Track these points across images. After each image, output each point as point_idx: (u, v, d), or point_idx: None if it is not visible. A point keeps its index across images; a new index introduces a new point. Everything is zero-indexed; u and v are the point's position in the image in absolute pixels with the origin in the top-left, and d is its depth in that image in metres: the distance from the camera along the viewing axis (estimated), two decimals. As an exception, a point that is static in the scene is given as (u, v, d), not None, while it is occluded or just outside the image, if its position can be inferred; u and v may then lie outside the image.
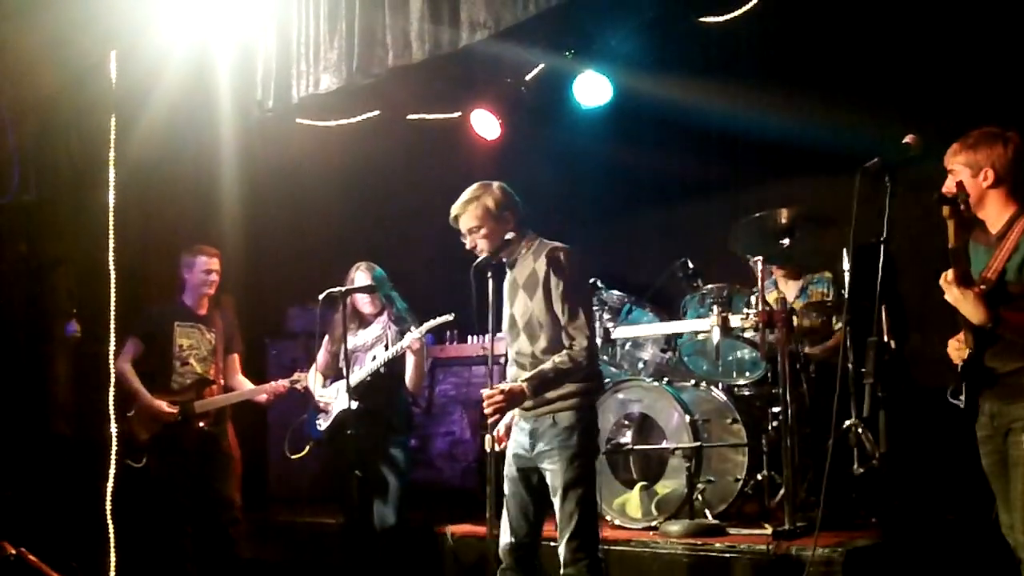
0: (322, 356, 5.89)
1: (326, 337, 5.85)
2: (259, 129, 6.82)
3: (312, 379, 5.92)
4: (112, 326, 6.31)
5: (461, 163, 7.48)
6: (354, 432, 5.36)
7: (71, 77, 6.50)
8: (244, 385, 6.25)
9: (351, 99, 6.79)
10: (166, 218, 7.04)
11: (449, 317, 5.45)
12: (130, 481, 6.15)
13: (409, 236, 7.84)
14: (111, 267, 6.41)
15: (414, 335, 5.42)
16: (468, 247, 4.41)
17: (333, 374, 5.87)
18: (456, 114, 7.36)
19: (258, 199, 7.44)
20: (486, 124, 7.12)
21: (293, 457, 5.96)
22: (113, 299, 6.38)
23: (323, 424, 5.75)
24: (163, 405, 5.95)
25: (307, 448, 5.85)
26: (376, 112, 7.34)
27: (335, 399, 5.68)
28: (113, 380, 6.18)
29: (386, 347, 5.59)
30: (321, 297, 5.25)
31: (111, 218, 6.45)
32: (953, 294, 3.61)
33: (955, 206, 3.68)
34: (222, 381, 6.19)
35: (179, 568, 5.93)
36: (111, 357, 6.21)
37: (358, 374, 5.57)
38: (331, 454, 5.83)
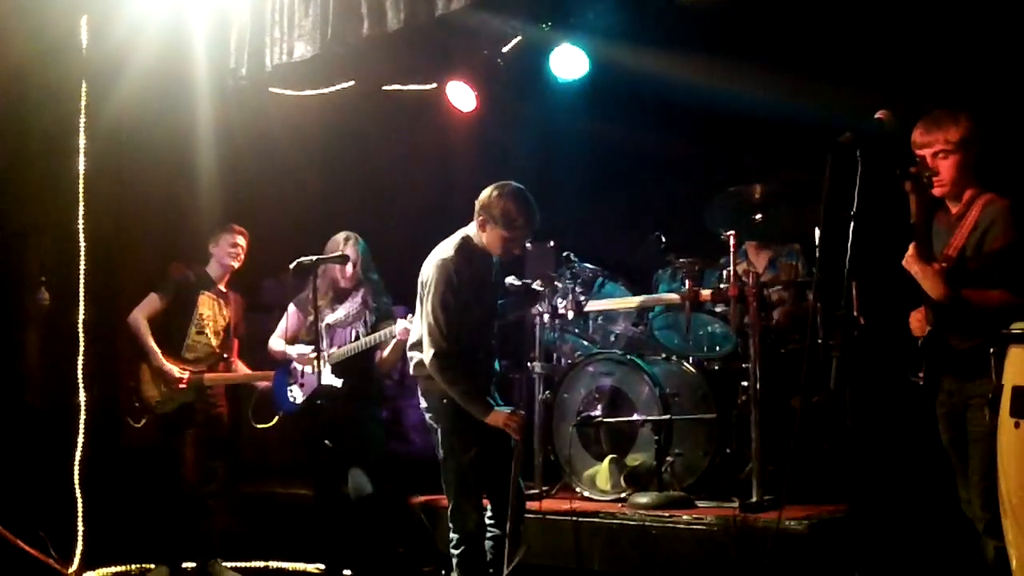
0: (291, 323, 5.84)
1: (292, 305, 5.83)
2: (235, 98, 6.78)
3: (277, 346, 5.87)
4: (82, 295, 6.28)
5: (437, 135, 7.46)
6: (328, 405, 5.37)
7: (42, 44, 6.43)
8: (241, 368, 6.24)
9: (326, 69, 6.75)
10: (139, 187, 7.00)
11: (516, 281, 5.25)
12: (101, 446, 6.15)
13: (385, 208, 7.81)
14: (81, 236, 6.38)
15: (407, 324, 5.28)
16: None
17: (302, 340, 5.82)
18: (432, 85, 7.32)
19: (233, 169, 7.36)
20: (462, 96, 7.09)
21: (258, 427, 5.95)
22: (83, 268, 6.36)
23: (298, 397, 5.72)
24: (174, 370, 5.94)
25: (275, 419, 5.83)
26: (351, 83, 7.28)
27: (313, 373, 5.61)
28: (86, 346, 6.16)
29: (365, 324, 5.57)
30: (292, 266, 5.22)
31: (81, 187, 6.41)
32: (915, 269, 3.66)
33: (917, 181, 3.71)
34: (228, 359, 6.19)
35: (153, 533, 5.97)
36: (80, 326, 6.18)
37: (340, 352, 5.55)
38: (305, 426, 5.76)
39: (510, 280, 4.96)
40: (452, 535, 4.55)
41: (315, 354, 5.44)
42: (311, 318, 5.57)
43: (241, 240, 6.19)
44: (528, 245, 5.63)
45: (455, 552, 4.53)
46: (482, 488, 4.58)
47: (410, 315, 5.20)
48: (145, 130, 6.82)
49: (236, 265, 6.20)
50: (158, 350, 5.96)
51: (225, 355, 6.15)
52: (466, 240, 4.56)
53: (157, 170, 7.08)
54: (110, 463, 6.39)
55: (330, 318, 5.59)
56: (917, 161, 3.78)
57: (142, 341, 5.99)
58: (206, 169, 7.13)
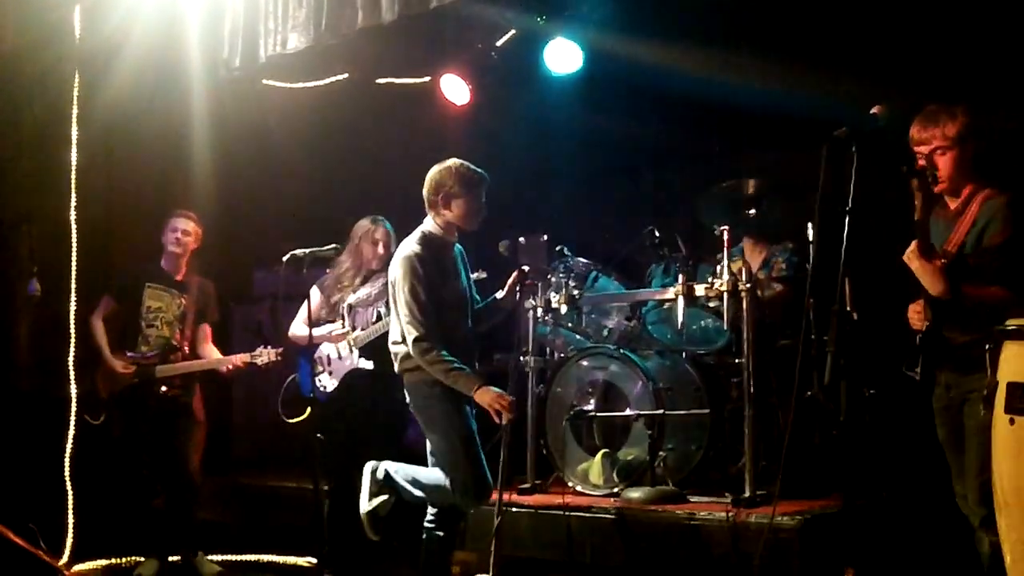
0: (314, 306, 5.66)
1: (315, 288, 5.72)
2: (229, 89, 6.76)
3: (300, 331, 5.69)
4: (74, 285, 6.26)
5: (430, 128, 7.43)
6: (365, 393, 5.48)
7: (35, 33, 6.41)
8: (212, 355, 6.18)
9: (319, 61, 6.74)
10: (132, 177, 6.98)
11: (482, 274, 5.29)
12: (91, 440, 6.13)
13: (378, 200, 7.77)
14: (73, 226, 6.35)
15: None
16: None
17: (322, 326, 5.73)
18: (426, 78, 7.29)
19: (226, 160, 7.35)
20: (456, 89, 7.06)
21: (291, 421, 5.78)
22: (75, 259, 6.34)
23: (329, 385, 5.66)
24: (118, 365, 5.94)
25: (307, 411, 5.59)
26: (345, 75, 7.27)
27: (341, 359, 5.59)
28: (78, 337, 6.16)
29: (387, 305, 5.46)
30: (285, 259, 5.20)
31: (74, 176, 6.38)
32: (915, 265, 3.65)
33: (924, 179, 3.70)
34: (187, 348, 6.13)
35: (142, 526, 5.96)
36: (72, 316, 6.17)
37: (364, 334, 5.53)
38: (334, 414, 5.63)
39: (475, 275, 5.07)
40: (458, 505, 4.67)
41: (342, 331, 5.51)
42: (334, 298, 5.60)
43: (184, 224, 6.10)
44: (521, 239, 5.63)
45: (448, 527, 4.72)
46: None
47: None
48: (138, 120, 6.80)
49: (179, 251, 6.11)
50: (105, 348, 6.00)
51: (181, 345, 6.08)
52: (426, 234, 4.70)
53: (150, 160, 7.06)
54: (98, 454, 6.35)
55: (352, 298, 5.58)
56: (914, 157, 3.77)
57: (93, 342, 6.05)
58: (199, 160, 7.12)
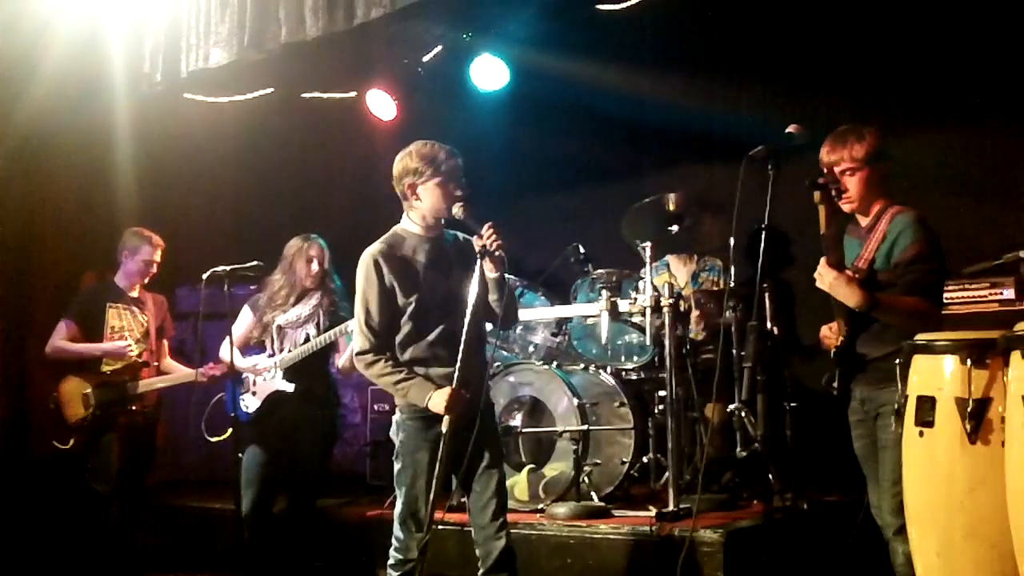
0: (244, 326, 5.60)
1: (246, 307, 5.62)
2: (153, 104, 6.67)
3: (228, 354, 5.51)
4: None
5: (357, 143, 7.42)
6: (280, 410, 5.32)
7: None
8: (175, 368, 6.11)
9: (244, 75, 6.68)
10: (52, 191, 6.88)
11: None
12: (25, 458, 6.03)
13: (305, 216, 7.74)
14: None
15: None
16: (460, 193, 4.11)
17: (252, 349, 5.63)
18: (352, 94, 7.29)
19: (149, 175, 7.26)
20: (383, 105, 7.07)
21: (213, 440, 5.72)
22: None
23: (251, 406, 5.55)
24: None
25: (230, 431, 5.50)
26: (270, 90, 7.22)
27: (265, 380, 5.48)
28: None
29: (317, 326, 5.41)
30: (206, 276, 5.13)
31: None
32: (828, 280, 3.71)
33: (826, 192, 3.79)
34: (156, 364, 6.07)
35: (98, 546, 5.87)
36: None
37: (290, 356, 5.40)
38: (256, 434, 5.48)
39: None
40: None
41: (265, 364, 5.39)
42: (266, 317, 5.46)
43: (159, 255, 6.05)
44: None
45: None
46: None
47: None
48: (59, 133, 6.70)
49: (146, 275, 6.07)
50: (90, 345, 5.87)
51: (151, 361, 6.02)
52: (395, 232, 4.21)
53: (71, 174, 6.96)
54: (20, 474, 6.23)
55: (281, 319, 5.45)
56: (824, 173, 3.85)
57: (75, 351, 5.88)
58: (122, 174, 7.04)
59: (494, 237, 3.97)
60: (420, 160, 4.05)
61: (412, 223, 4.17)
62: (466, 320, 3.93)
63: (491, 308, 4.16)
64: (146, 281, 6.09)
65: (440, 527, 4.26)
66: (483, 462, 4.06)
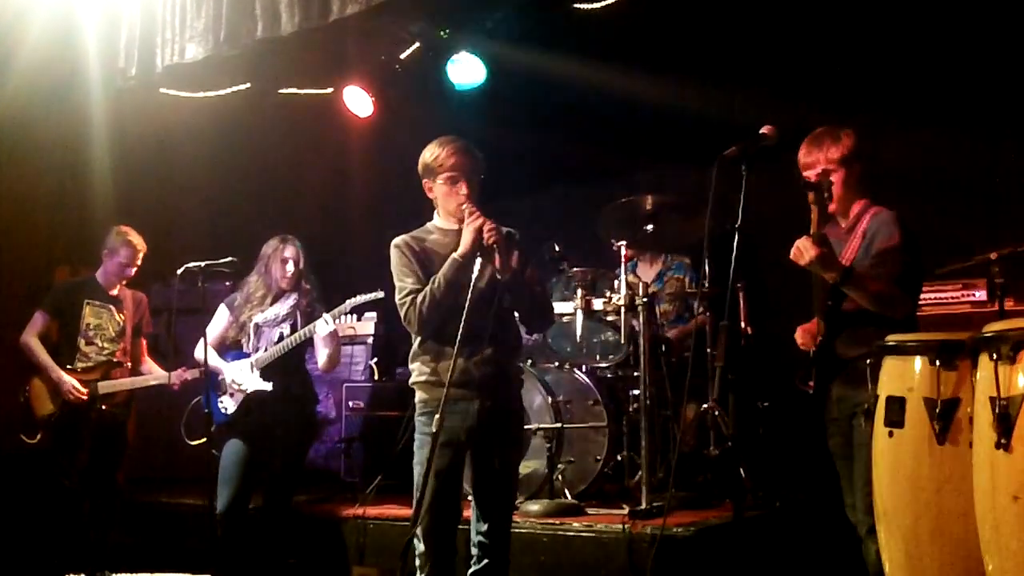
0: (220, 325, 5.58)
1: (223, 306, 5.59)
2: (128, 98, 6.63)
3: (205, 355, 5.45)
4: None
5: (333, 139, 7.39)
6: (259, 410, 5.29)
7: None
8: (152, 369, 6.09)
9: (220, 71, 6.65)
10: (23, 186, 6.80)
11: (379, 294, 5.04)
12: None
13: (280, 212, 7.73)
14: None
15: (329, 326, 5.16)
16: (466, 188, 4.01)
17: (228, 349, 5.61)
18: (328, 90, 7.26)
19: (124, 170, 7.21)
20: (359, 101, 7.05)
21: (193, 443, 5.56)
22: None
23: (229, 407, 5.52)
24: (75, 383, 5.80)
25: (211, 431, 5.41)
26: (246, 85, 7.18)
27: (243, 380, 5.45)
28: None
29: (293, 326, 5.40)
30: (180, 272, 5.11)
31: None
32: (808, 255, 3.67)
33: (820, 193, 3.80)
34: (129, 364, 6.04)
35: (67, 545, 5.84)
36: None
37: (265, 356, 5.38)
38: (235, 435, 5.42)
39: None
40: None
41: (239, 379, 5.37)
42: (243, 317, 5.44)
43: (139, 260, 6.02)
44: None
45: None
46: None
47: (329, 315, 5.17)
48: (32, 127, 6.65)
49: (128, 272, 6.04)
50: (54, 366, 5.84)
51: (124, 361, 5.99)
52: (425, 226, 4.14)
53: (43, 167, 6.89)
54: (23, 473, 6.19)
55: (259, 317, 5.43)
56: (819, 174, 3.87)
57: (37, 359, 5.87)
58: (96, 169, 6.99)
59: (492, 236, 3.86)
60: (430, 158, 4.04)
61: (438, 218, 4.13)
62: (464, 315, 3.75)
63: (522, 311, 4.10)
64: (124, 283, 6.06)
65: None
66: (492, 466, 3.98)
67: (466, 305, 3.75)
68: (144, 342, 6.19)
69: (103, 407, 5.86)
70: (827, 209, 3.87)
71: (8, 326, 6.01)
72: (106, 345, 5.97)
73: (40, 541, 5.99)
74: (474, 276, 3.85)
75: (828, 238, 3.82)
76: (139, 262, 6.03)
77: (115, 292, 6.06)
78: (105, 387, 5.87)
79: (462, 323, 3.73)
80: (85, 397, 5.80)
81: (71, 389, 5.79)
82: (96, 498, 5.87)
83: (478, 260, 3.87)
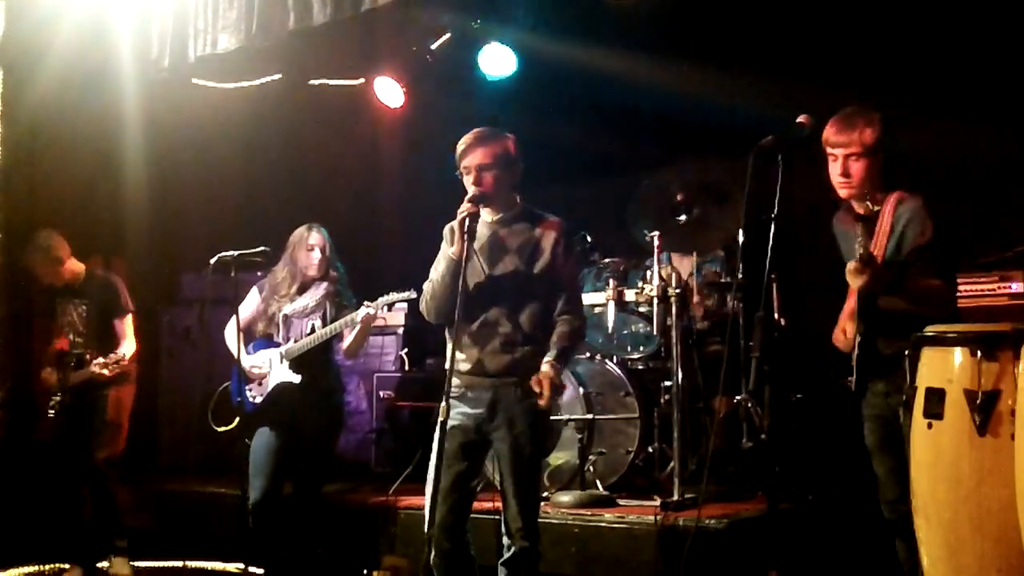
0: (251, 309, 5.52)
1: (255, 289, 5.57)
2: (160, 89, 6.66)
3: (232, 343, 5.43)
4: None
5: (364, 130, 7.40)
6: (292, 404, 5.28)
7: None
8: (131, 349, 5.98)
9: (253, 61, 6.67)
10: (58, 178, 6.85)
11: (412, 294, 4.99)
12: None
13: (311, 202, 7.73)
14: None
15: (370, 310, 5.13)
16: (472, 183, 4.07)
17: (257, 337, 5.57)
18: (360, 80, 7.27)
19: (156, 161, 7.26)
20: (390, 92, 7.05)
21: (220, 430, 5.59)
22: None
23: (257, 396, 5.50)
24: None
25: (236, 421, 5.41)
26: (278, 76, 7.20)
27: (271, 370, 5.43)
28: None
29: (324, 316, 5.37)
30: (212, 262, 5.11)
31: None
32: (863, 278, 3.64)
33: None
34: (93, 354, 5.90)
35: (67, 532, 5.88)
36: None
37: (296, 347, 5.36)
38: (264, 424, 5.39)
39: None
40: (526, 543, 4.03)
41: (265, 368, 5.37)
42: (272, 308, 5.42)
43: (54, 254, 5.95)
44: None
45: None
46: None
47: (368, 302, 5.14)
48: (65, 120, 6.68)
49: (69, 276, 6.00)
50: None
51: (92, 357, 5.82)
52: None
53: (77, 160, 6.93)
54: (23, 458, 6.24)
55: (288, 308, 5.41)
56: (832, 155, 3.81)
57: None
58: (129, 161, 7.03)
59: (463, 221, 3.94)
60: (457, 152, 4.11)
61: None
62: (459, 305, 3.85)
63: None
64: (67, 277, 6.00)
65: (478, 516, 4.19)
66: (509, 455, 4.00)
67: (459, 301, 3.85)
68: (122, 324, 6.03)
69: (67, 398, 5.85)
70: (872, 237, 3.78)
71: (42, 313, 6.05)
72: (77, 339, 5.97)
73: (39, 529, 6.05)
74: (470, 271, 3.93)
75: (874, 256, 3.72)
76: (57, 256, 5.95)
77: (78, 284, 6.01)
78: (75, 378, 5.87)
79: (456, 316, 3.85)
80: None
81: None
82: (82, 482, 5.89)
83: (476, 259, 4.00)
